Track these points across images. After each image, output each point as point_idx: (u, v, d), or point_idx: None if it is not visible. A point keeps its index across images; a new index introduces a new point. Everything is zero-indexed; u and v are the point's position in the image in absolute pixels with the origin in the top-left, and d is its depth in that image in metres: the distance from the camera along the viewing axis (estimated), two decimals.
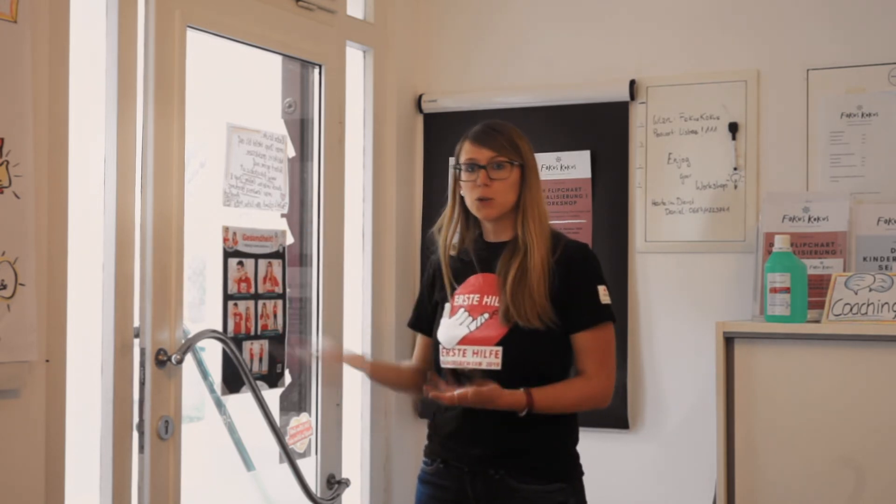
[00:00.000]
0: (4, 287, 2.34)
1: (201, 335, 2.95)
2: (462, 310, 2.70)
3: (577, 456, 2.73)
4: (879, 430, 3.02)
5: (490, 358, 2.63)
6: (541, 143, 3.71)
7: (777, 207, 3.35)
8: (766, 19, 3.49)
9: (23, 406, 2.44)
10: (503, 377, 2.59)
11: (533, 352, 2.62)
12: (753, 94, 3.47)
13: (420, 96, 3.90)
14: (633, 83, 3.60)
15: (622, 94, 3.61)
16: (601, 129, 3.66)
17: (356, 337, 3.69)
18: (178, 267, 2.88)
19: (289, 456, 3.21)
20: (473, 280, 2.72)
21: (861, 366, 3.03)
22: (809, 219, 3.31)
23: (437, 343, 2.75)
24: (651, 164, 3.59)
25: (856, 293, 3.08)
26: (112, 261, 2.71)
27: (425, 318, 2.85)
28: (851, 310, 3.06)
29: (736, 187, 3.48)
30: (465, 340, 2.67)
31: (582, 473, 2.72)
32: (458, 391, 2.54)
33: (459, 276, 2.75)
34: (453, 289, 2.73)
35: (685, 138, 3.56)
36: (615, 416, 3.54)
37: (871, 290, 3.07)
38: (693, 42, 3.58)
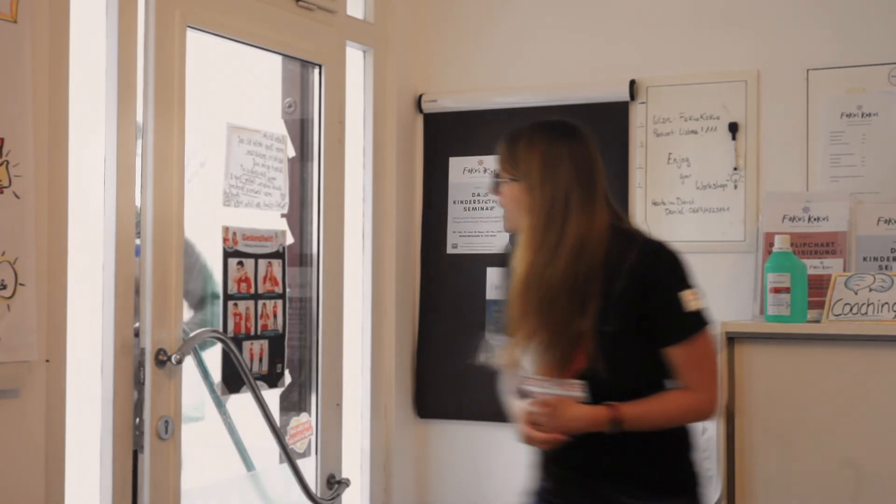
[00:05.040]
0: (4, 287, 2.34)
1: (201, 335, 2.95)
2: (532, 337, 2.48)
3: (690, 466, 2.52)
4: (879, 430, 3.02)
5: (572, 391, 2.42)
6: None
7: (777, 207, 3.35)
8: (766, 19, 3.49)
9: (23, 406, 2.44)
10: None
11: (618, 379, 2.41)
12: (753, 94, 3.47)
13: (420, 96, 3.89)
14: (633, 83, 3.60)
15: (622, 94, 3.61)
16: (601, 129, 3.64)
17: (356, 337, 3.69)
18: (177, 267, 2.88)
19: (289, 456, 3.21)
20: None
21: (861, 366, 3.03)
22: (809, 219, 3.31)
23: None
24: (651, 164, 3.59)
25: (856, 293, 3.08)
26: (112, 261, 2.71)
27: None
28: (851, 310, 3.06)
29: (736, 187, 3.48)
30: (547, 370, 2.47)
31: (697, 485, 2.51)
32: (537, 433, 2.41)
33: None
34: None
35: (685, 138, 3.56)
36: None
37: (871, 290, 3.07)
38: (693, 42, 3.58)
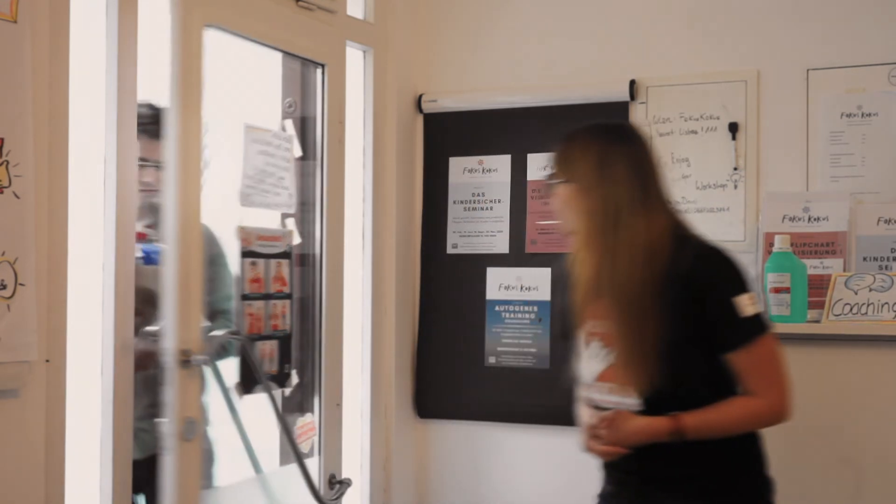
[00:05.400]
0: (4, 287, 2.34)
1: (224, 336, 2.95)
2: (596, 339, 2.48)
3: (752, 473, 2.48)
4: (879, 430, 3.02)
5: (629, 400, 2.41)
6: (541, 143, 3.72)
7: (777, 207, 3.35)
8: (766, 19, 3.49)
9: (23, 406, 2.43)
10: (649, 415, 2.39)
11: (679, 387, 2.38)
12: (753, 94, 3.47)
13: (420, 96, 3.89)
14: (633, 83, 3.60)
15: (622, 94, 3.61)
16: None
17: (356, 337, 3.69)
18: (198, 267, 2.88)
19: (299, 457, 3.19)
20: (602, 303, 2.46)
21: (861, 366, 3.03)
22: (809, 219, 3.31)
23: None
24: None
25: (856, 293, 3.08)
26: (112, 261, 2.71)
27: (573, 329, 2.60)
28: (851, 310, 3.07)
29: (736, 187, 3.48)
30: (604, 376, 2.45)
31: (758, 493, 2.49)
32: (598, 445, 2.40)
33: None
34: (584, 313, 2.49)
35: (685, 138, 3.56)
36: None
37: (871, 290, 3.07)
38: (693, 42, 3.58)
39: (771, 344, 2.42)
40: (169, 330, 2.79)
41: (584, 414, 2.50)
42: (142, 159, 2.99)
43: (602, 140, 2.47)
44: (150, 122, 3.06)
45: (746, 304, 2.37)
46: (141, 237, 2.98)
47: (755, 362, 2.38)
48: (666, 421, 2.35)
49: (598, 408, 2.46)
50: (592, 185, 2.42)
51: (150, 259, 3.05)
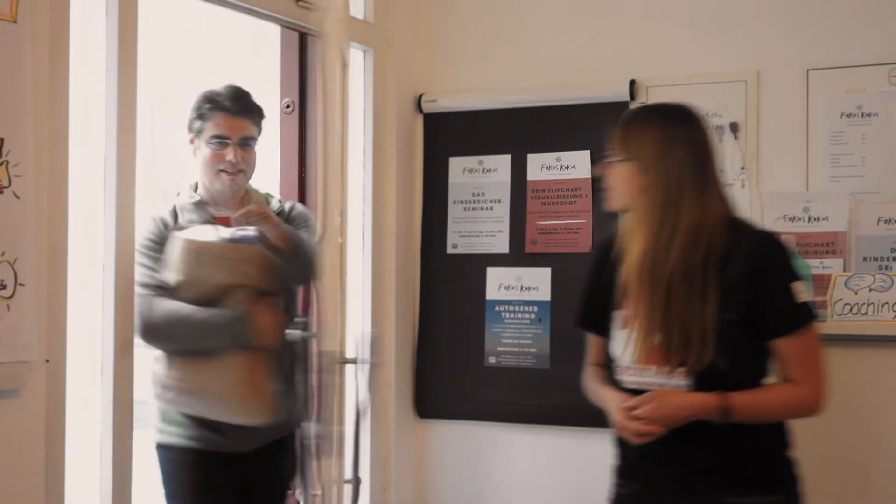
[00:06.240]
0: (4, 287, 2.34)
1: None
2: (637, 321, 2.44)
3: (789, 462, 2.47)
4: (879, 430, 3.02)
5: (675, 380, 2.40)
6: (541, 143, 3.72)
7: (777, 207, 3.35)
8: (766, 19, 3.49)
9: (23, 406, 2.44)
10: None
11: (733, 369, 2.37)
12: (753, 94, 3.47)
13: (420, 96, 3.89)
14: (633, 83, 3.60)
15: (622, 94, 3.61)
16: (601, 129, 3.64)
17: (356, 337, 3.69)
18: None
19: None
20: None
21: (861, 366, 3.03)
22: (809, 219, 3.31)
23: (608, 358, 2.53)
24: None
25: (856, 293, 3.08)
26: (112, 261, 2.71)
27: (598, 316, 2.58)
28: (851, 310, 3.07)
29: (743, 186, 3.48)
30: (647, 358, 2.42)
31: (795, 481, 2.46)
32: (636, 425, 2.36)
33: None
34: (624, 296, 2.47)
35: None
36: None
37: (871, 290, 3.07)
38: (693, 42, 3.58)
39: (816, 335, 2.43)
40: (333, 331, 2.65)
41: (617, 397, 2.46)
42: (221, 137, 3.00)
43: (665, 121, 2.48)
44: (232, 99, 3.03)
45: (801, 291, 2.38)
46: (224, 222, 2.99)
47: (802, 350, 2.39)
48: (714, 397, 2.34)
49: (635, 391, 2.43)
50: (653, 164, 2.42)
51: (247, 240, 2.94)
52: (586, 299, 2.65)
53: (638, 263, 2.41)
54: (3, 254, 2.34)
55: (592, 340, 2.65)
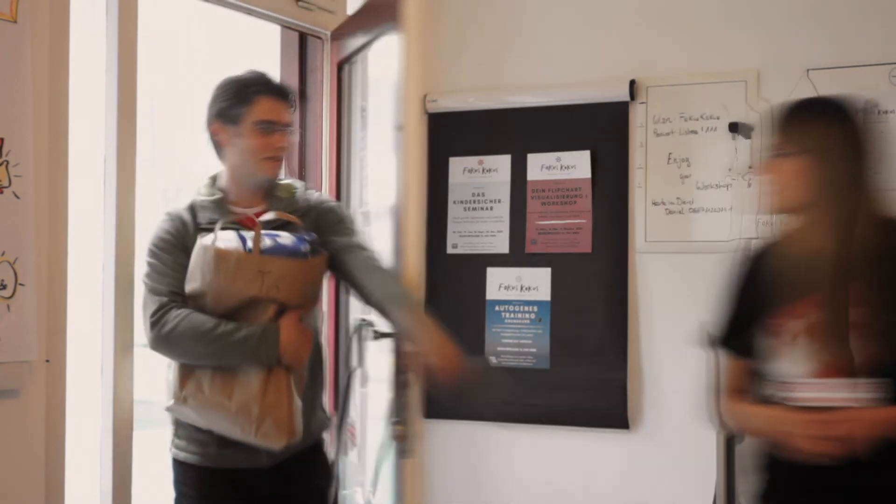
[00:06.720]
0: (4, 287, 2.34)
1: None
2: (806, 335, 2.24)
3: None
4: None
5: (862, 392, 2.17)
6: (541, 143, 3.72)
7: None
8: (766, 19, 3.49)
9: (23, 406, 2.44)
10: None
11: None
12: (753, 94, 3.47)
13: (424, 96, 3.89)
14: (633, 83, 3.60)
15: (622, 94, 3.61)
16: (601, 129, 3.66)
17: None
18: None
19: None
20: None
21: None
22: None
23: (764, 374, 2.32)
24: (651, 164, 3.59)
25: None
26: (112, 261, 2.72)
27: (747, 336, 2.35)
28: None
29: (749, 185, 3.47)
30: (825, 372, 2.21)
31: None
32: (829, 445, 2.13)
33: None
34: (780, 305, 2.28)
35: (685, 138, 3.55)
36: (615, 416, 3.54)
37: None
38: (693, 42, 3.58)
39: None
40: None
41: (797, 415, 2.21)
42: (269, 122, 2.72)
43: (832, 114, 2.35)
44: (276, 83, 2.80)
45: None
46: (246, 222, 2.69)
47: None
48: None
49: (813, 409, 2.20)
50: (831, 157, 2.28)
51: (277, 250, 2.65)
52: (732, 318, 2.41)
53: (823, 264, 2.25)
54: (3, 254, 2.34)
55: (734, 365, 2.41)
